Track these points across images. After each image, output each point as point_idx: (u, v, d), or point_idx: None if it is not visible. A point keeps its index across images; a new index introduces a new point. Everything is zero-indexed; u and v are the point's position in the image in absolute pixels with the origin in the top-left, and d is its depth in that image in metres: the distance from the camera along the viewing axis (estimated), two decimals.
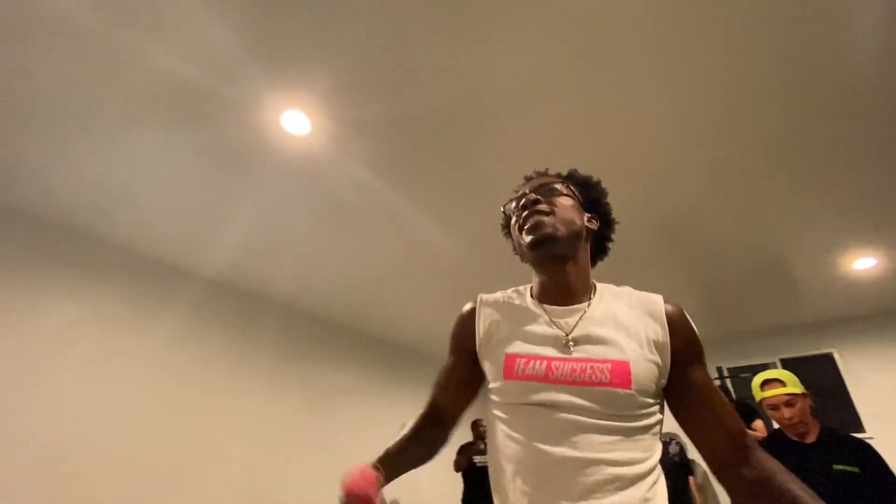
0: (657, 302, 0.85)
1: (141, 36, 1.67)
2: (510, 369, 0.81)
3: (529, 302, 0.91)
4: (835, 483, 1.63)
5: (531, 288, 0.95)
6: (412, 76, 1.87)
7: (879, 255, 3.50)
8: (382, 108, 2.02)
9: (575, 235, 0.88)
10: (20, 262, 2.79)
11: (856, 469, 1.64)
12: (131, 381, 3.11)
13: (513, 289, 0.98)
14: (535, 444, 0.75)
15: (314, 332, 4.45)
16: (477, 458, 4.00)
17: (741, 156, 2.36)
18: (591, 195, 0.96)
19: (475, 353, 0.91)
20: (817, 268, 3.68)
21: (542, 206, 0.87)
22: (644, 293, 0.88)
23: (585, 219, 0.93)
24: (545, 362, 0.79)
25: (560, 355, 0.79)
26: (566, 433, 0.74)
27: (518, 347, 0.83)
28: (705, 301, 4.29)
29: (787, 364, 5.00)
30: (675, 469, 4.26)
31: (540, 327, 0.84)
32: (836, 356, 4.87)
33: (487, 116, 2.09)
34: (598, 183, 0.99)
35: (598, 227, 0.96)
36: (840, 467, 1.66)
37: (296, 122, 2.06)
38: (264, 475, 3.63)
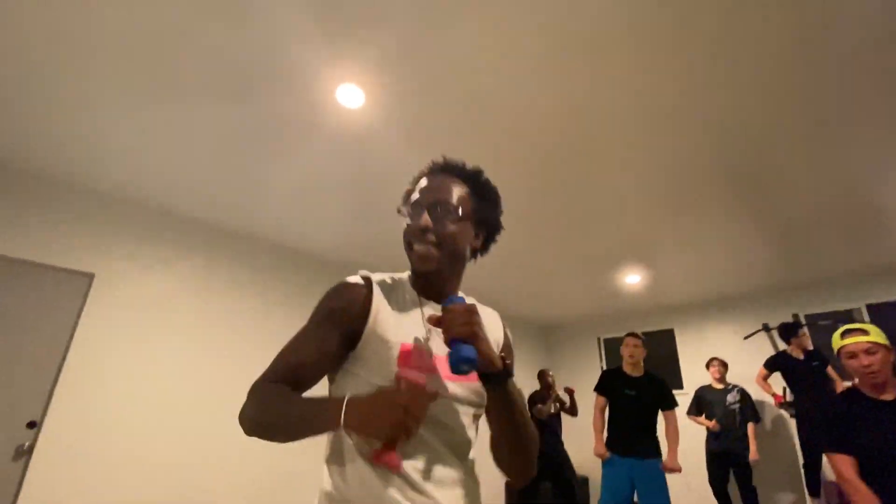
0: (497, 315, 1.05)
1: (214, 19, 1.78)
2: (406, 357, 0.84)
3: (410, 291, 0.96)
4: None
5: (409, 275, 0.99)
6: (462, 50, 1.85)
7: None
8: (434, 82, 2.02)
9: (458, 261, 0.95)
10: (120, 239, 3.14)
11: None
12: (223, 343, 3.48)
13: (391, 274, 0.99)
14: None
15: None
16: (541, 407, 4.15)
17: (811, 87, 2.13)
18: (485, 211, 0.98)
19: (360, 333, 0.88)
20: None
21: (431, 237, 0.90)
22: (486, 308, 1.02)
23: (472, 237, 0.97)
24: (432, 355, 0.87)
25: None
26: (449, 418, 0.86)
27: (410, 337, 0.87)
28: (778, 246, 4.03)
29: (874, 309, 4.65)
30: (730, 415, 4.21)
31: (422, 320, 0.91)
32: None
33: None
34: (496, 200, 1.01)
35: (484, 238, 1.01)
36: None
37: (350, 95, 2.12)
38: None
